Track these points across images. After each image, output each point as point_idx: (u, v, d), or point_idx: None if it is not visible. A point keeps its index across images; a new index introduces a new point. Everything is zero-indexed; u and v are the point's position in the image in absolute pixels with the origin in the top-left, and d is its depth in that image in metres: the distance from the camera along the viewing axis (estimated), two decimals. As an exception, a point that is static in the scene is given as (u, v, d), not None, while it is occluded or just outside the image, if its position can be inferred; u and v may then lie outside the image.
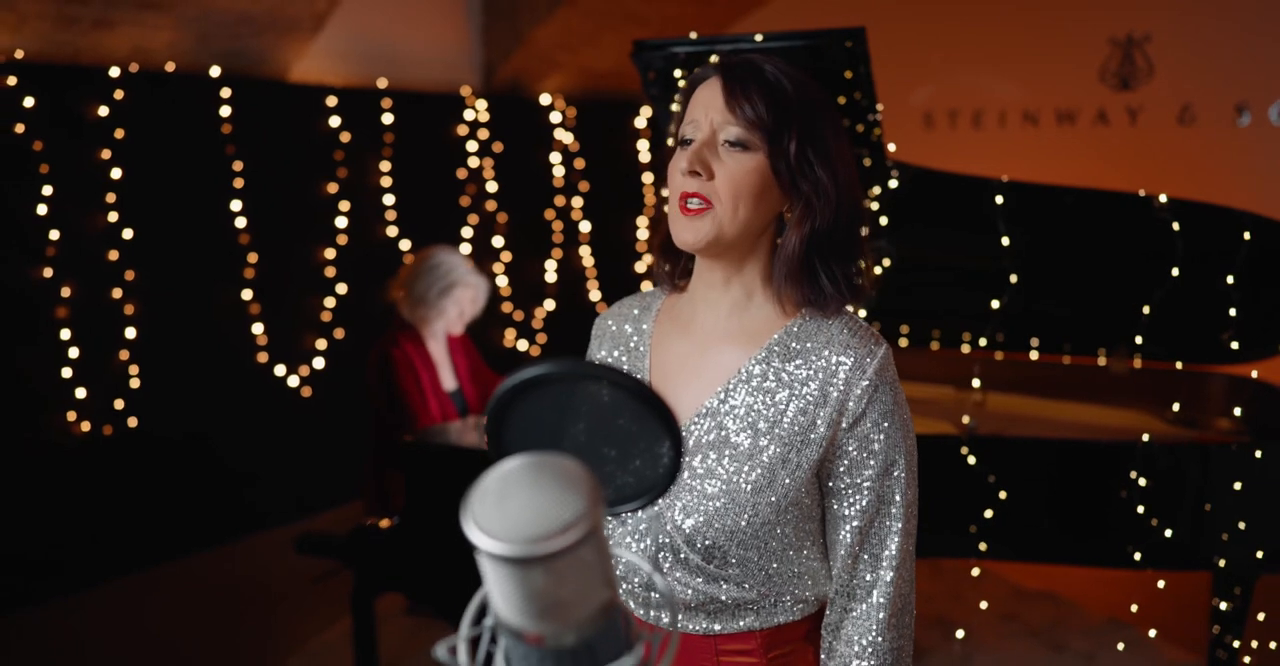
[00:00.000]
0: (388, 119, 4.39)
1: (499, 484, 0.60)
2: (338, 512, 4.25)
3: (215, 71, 3.72)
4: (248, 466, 3.97)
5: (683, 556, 1.14)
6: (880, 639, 1.15)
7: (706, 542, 1.13)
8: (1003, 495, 2.26)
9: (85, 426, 3.45)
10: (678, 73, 2.06)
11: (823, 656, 1.19)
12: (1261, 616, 2.62)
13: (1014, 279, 2.50)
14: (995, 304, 2.51)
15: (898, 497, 1.15)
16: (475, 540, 0.59)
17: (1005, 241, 2.45)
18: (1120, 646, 3.19)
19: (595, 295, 5.58)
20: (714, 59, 1.21)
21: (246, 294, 3.93)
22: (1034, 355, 3.05)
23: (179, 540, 3.75)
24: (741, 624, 1.16)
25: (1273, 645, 2.79)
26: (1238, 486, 2.24)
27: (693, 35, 2.04)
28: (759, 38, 1.99)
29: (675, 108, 2.16)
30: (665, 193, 1.22)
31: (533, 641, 0.62)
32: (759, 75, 1.14)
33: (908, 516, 1.16)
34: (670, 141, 1.29)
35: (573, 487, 0.59)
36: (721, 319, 1.21)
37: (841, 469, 1.15)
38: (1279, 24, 4.42)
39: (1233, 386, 2.92)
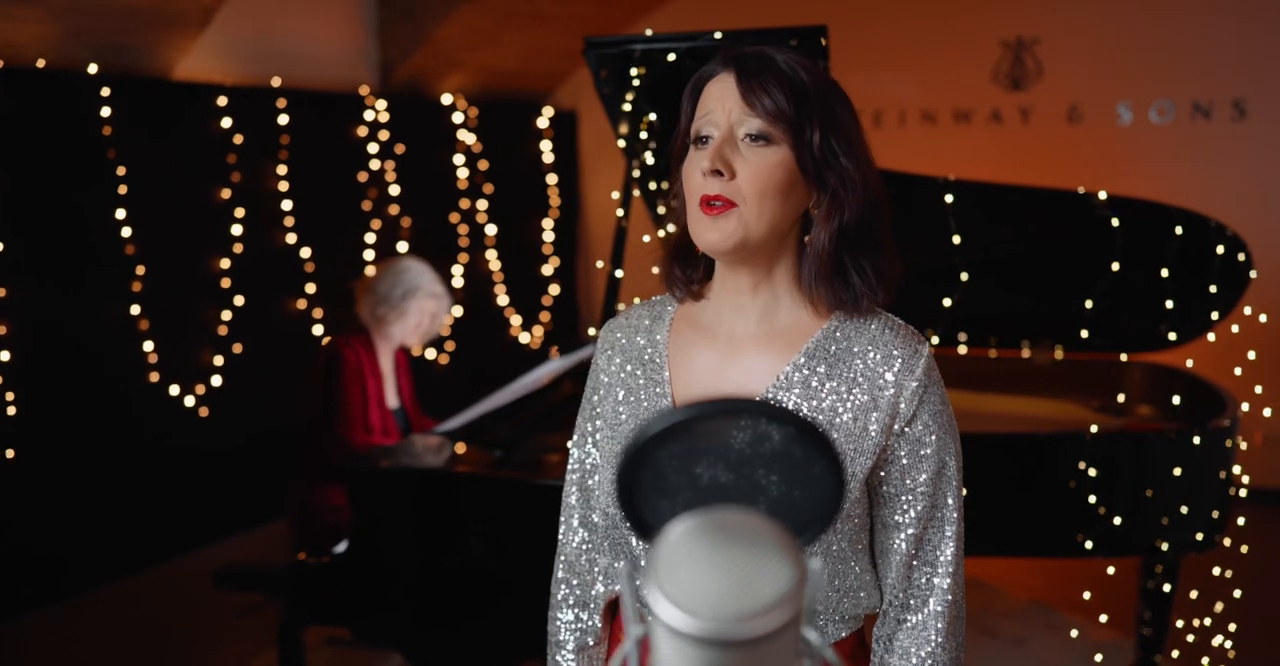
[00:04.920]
0: (283, 120, 4.15)
1: (686, 547, 0.51)
2: (249, 536, 4.00)
3: (93, 69, 3.42)
4: (146, 494, 3.68)
5: None
6: (939, 650, 1.10)
7: None
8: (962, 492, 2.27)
9: (-43, 461, 3.12)
10: (633, 71, 1.98)
11: None
12: (1194, 594, 2.74)
13: (964, 277, 2.53)
14: (947, 302, 2.53)
15: (950, 500, 1.11)
16: (665, 616, 0.50)
17: (956, 240, 2.47)
18: (1074, 633, 3.27)
19: (503, 299, 5.44)
20: (723, 53, 1.13)
21: (134, 309, 3.63)
22: (962, 350, 3.10)
23: (78, 575, 3.45)
24: None
25: (1196, 622, 2.92)
26: (1177, 472, 2.32)
27: (648, 32, 1.97)
28: (718, 36, 1.93)
29: (627, 107, 2.08)
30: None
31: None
32: (773, 65, 1.08)
33: (959, 518, 1.12)
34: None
35: (775, 552, 0.51)
36: (751, 324, 1.13)
37: (894, 475, 1.10)
38: (1157, 27, 4.67)
39: (1152, 375, 3.05)
